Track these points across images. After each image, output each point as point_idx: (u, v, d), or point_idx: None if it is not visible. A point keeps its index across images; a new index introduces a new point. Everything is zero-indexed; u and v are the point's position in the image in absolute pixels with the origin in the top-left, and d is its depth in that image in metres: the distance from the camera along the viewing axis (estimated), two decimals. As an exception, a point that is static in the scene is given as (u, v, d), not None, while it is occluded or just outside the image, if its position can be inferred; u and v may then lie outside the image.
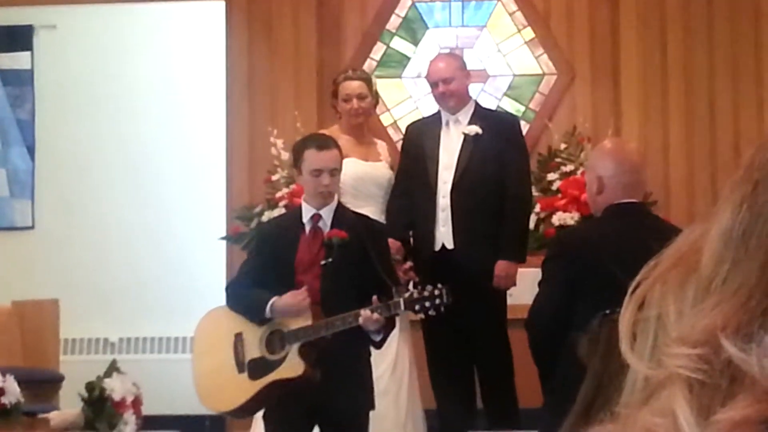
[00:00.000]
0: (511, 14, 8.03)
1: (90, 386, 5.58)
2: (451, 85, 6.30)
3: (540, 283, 4.88)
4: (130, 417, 5.57)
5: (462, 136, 6.25)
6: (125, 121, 8.39)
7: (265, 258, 5.29)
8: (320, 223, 5.29)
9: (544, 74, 7.99)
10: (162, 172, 8.36)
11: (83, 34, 8.48)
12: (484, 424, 6.14)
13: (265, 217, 7.19)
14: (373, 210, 6.15)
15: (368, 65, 7.94)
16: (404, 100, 8.04)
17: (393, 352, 6.01)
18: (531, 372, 5.04)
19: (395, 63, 8.08)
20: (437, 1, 8.12)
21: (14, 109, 8.51)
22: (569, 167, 7.48)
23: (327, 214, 5.29)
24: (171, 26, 8.48)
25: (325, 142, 5.40)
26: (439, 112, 6.42)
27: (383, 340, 5.21)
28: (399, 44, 8.09)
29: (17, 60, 8.50)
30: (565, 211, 7.25)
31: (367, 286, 5.10)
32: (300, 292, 5.10)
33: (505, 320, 6.15)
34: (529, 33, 8.00)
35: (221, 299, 5.44)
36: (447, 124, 6.33)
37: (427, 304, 5.17)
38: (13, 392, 5.63)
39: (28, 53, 8.51)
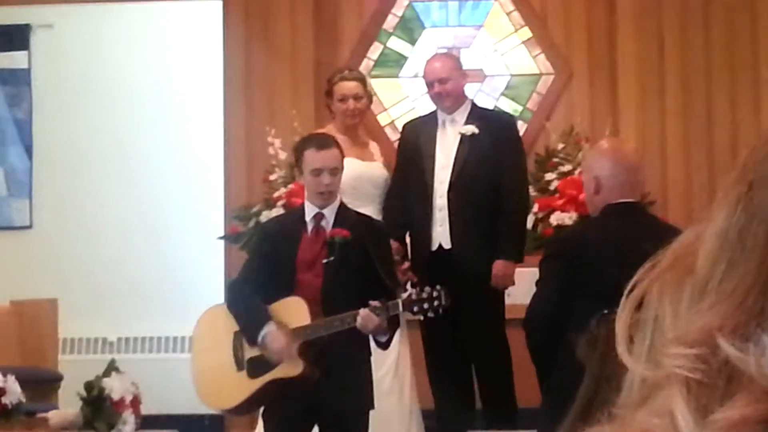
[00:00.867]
0: (508, 14, 8.03)
1: (89, 386, 5.58)
2: (447, 85, 6.30)
3: (537, 283, 4.89)
4: (129, 416, 5.56)
5: (458, 136, 6.25)
6: (123, 121, 8.39)
7: (267, 256, 5.29)
8: (323, 222, 5.29)
9: (541, 74, 7.99)
10: (160, 171, 8.35)
11: (80, 33, 8.47)
12: (483, 424, 6.14)
13: (263, 217, 7.18)
14: (370, 210, 6.15)
15: (365, 65, 7.94)
16: (401, 100, 8.04)
17: (395, 352, 6.01)
18: (529, 372, 5.05)
19: (392, 63, 8.08)
20: (434, 1, 8.12)
21: (11, 108, 8.50)
22: (567, 167, 7.48)
23: (330, 213, 5.30)
24: (168, 26, 8.47)
25: (325, 142, 5.40)
26: (435, 112, 6.42)
27: (389, 341, 5.22)
28: (396, 44, 8.09)
29: (14, 59, 8.50)
30: (563, 211, 7.25)
31: (367, 285, 5.11)
32: (288, 345, 5.08)
33: (503, 320, 6.15)
34: (526, 33, 8.00)
35: (219, 298, 5.44)
36: (444, 123, 6.33)
37: (426, 305, 5.18)
38: (14, 392, 5.63)
39: (25, 53, 8.50)
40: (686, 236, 0.81)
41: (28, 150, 8.50)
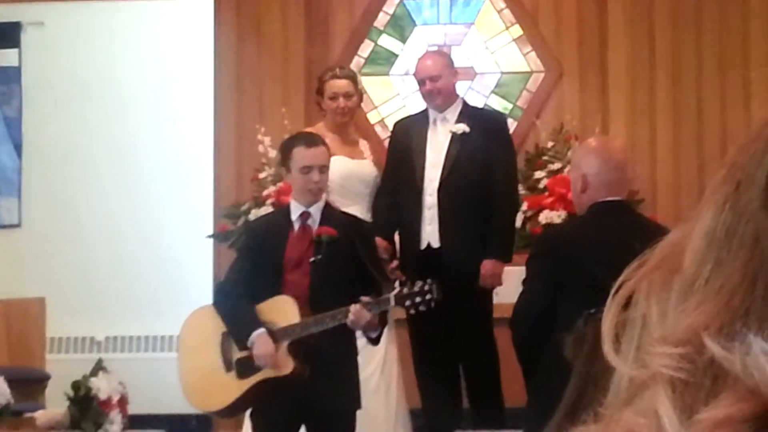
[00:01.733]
0: (499, 12, 8.04)
1: (76, 385, 5.57)
2: (438, 82, 6.30)
3: (524, 282, 4.89)
4: (116, 416, 5.56)
5: (449, 135, 6.25)
6: (113, 119, 8.38)
7: (254, 256, 5.29)
8: (309, 221, 5.29)
9: (531, 72, 8.00)
10: (150, 169, 8.34)
11: (71, 31, 8.46)
12: (470, 424, 6.14)
13: (252, 216, 7.18)
14: (359, 208, 6.15)
15: (356, 62, 7.94)
16: (392, 98, 8.05)
17: (382, 351, 6.02)
18: (517, 371, 5.05)
19: (383, 60, 8.08)
20: (425, -1, 8.12)
21: (1, 106, 8.49)
22: (556, 165, 7.48)
23: (316, 211, 5.30)
24: (159, 23, 8.46)
25: (313, 140, 5.41)
26: (426, 110, 6.42)
27: (379, 337, 5.23)
28: (387, 41, 8.09)
29: (4, 57, 8.49)
30: (552, 209, 7.25)
31: (355, 283, 5.11)
32: (272, 352, 5.08)
33: (491, 319, 6.15)
34: (517, 30, 8.01)
35: (208, 298, 5.44)
36: (434, 122, 6.33)
37: (417, 299, 5.18)
38: (3, 393, 5.63)
39: (15, 50, 8.49)
40: (674, 235, 0.80)
41: (18, 148, 8.49)
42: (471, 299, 6.05)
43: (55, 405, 5.98)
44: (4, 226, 8.43)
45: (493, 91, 8.01)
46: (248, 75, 7.94)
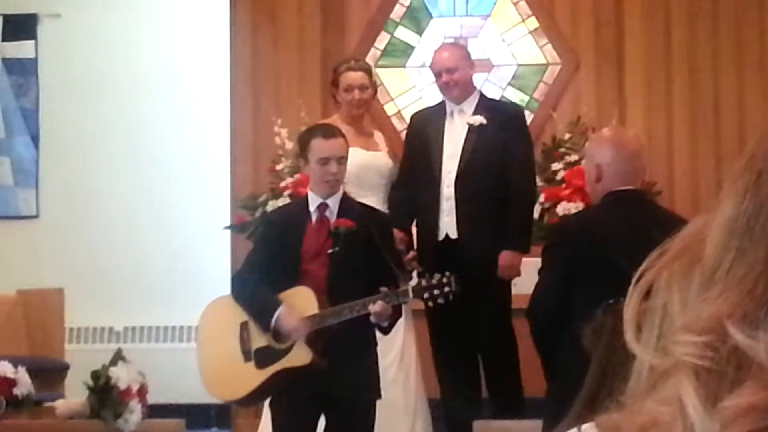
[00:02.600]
0: (515, 4, 8.02)
1: (95, 375, 5.59)
2: (455, 74, 6.29)
3: (540, 271, 4.89)
4: (135, 406, 5.57)
5: (466, 126, 6.25)
6: (129, 110, 8.40)
7: (272, 247, 5.29)
8: (327, 212, 5.29)
9: (548, 64, 7.98)
10: (166, 161, 8.36)
11: (87, 22, 8.48)
12: (489, 414, 6.14)
13: (269, 207, 7.18)
14: (375, 200, 6.15)
15: (372, 54, 7.94)
16: (408, 90, 8.04)
17: (400, 341, 6.02)
18: (536, 361, 5.04)
19: (399, 52, 8.07)
20: (441, -9, 8.11)
21: (18, 98, 8.52)
22: (573, 157, 7.47)
23: (333, 203, 5.30)
24: (175, 15, 8.48)
25: (331, 131, 5.41)
26: (443, 102, 6.41)
27: (390, 326, 5.23)
28: (403, 33, 8.08)
29: (21, 49, 8.51)
30: (569, 201, 7.24)
31: (373, 274, 5.11)
32: (303, 322, 5.09)
33: (509, 310, 6.15)
34: (533, 22, 7.99)
35: (226, 288, 5.44)
36: (451, 114, 6.32)
37: (436, 292, 5.18)
38: (25, 384, 5.67)
39: (32, 42, 8.52)
40: (694, 225, 0.81)
41: (35, 139, 8.52)
42: (489, 290, 6.05)
43: (74, 395, 6.00)
44: (22, 217, 8.47)
45: (509, 83, 8.00)
46: (264, 67, 7.95)
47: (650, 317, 0.79)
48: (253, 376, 5.19)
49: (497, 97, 7.41)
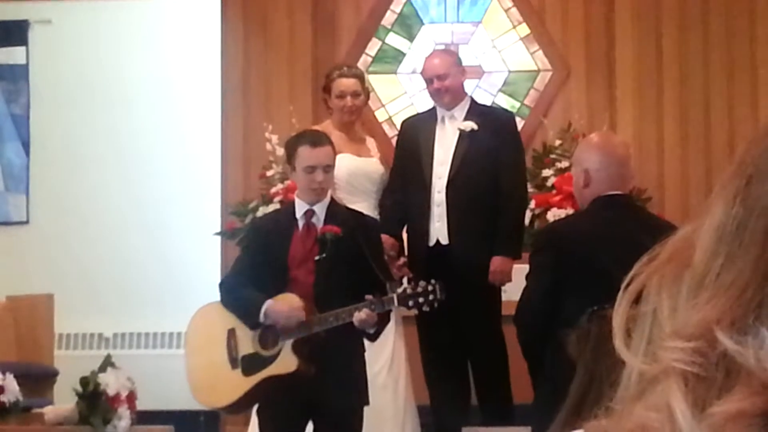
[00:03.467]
0: (506, 10, 8.03)
1: (84, 381, 5.57)
2: (446, 81, 6.30)
3: (527, 277, 4.89)
4: (124, 412, 5.56)
5: (457, 132, 6.25)
6: (120, 117, 8.38)
7: (259, 253, 5.29)
8: (313, 219, 5.29)
9: (539, 70, 7.99)
10: (157, 167, 8.35)
11: (79, 29, 8.46)
12: (478, 420, 6.14)
13: (259, 213, 7.18)
14: (366, 206, 6.15)
15: (363, 61, 7.94)
16: (399, 96, 8.05)
17: (390, 347, 6.02)
18: (525, 368, 5.05)
19: (390, 59, 8.08)
20: (432, -3, 8.12)
21: (9, 104, 8.50)
22: (564, 163, 7.47)
23: (320, 209, 5.29)
24: (166, 21, 8.46)
25: (318, 139, 5.39)
26: (434, 108, 6.42)
27: (377, 333, 5.22)
28: (394, 40, 8.09)
29: (12, 55, 8.49)
30: (559, 207, 7.25)
31: (360, 281, 5.11)
32: (295, 300, 5.09)
33: (499, 316, 6.15)
34: (524, 29, 8.00)
35: (215, 295, 5.43)
36: (442, 120, 6.33)
37: (421, 299, 5.18)
38: (13, 390, 5.65)
39: (23, 48, 8.50)
40: (684, 230, 0.80)
41: (26, 146, 8.50)
42: (479, 296, 6.05)
43: (63, 401, 5.98)
44: (12, 223, 8.44)
45: (500, 90, 8.01)
46: (255, 73, 7.95)
47: (639, 323, 0.79)
48: (240, 383, 5.18)
49: (488, 104, 7.42)
